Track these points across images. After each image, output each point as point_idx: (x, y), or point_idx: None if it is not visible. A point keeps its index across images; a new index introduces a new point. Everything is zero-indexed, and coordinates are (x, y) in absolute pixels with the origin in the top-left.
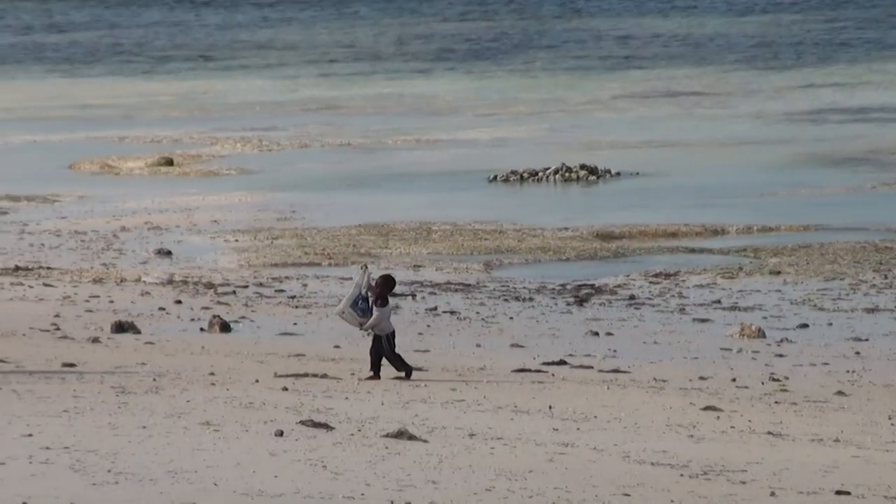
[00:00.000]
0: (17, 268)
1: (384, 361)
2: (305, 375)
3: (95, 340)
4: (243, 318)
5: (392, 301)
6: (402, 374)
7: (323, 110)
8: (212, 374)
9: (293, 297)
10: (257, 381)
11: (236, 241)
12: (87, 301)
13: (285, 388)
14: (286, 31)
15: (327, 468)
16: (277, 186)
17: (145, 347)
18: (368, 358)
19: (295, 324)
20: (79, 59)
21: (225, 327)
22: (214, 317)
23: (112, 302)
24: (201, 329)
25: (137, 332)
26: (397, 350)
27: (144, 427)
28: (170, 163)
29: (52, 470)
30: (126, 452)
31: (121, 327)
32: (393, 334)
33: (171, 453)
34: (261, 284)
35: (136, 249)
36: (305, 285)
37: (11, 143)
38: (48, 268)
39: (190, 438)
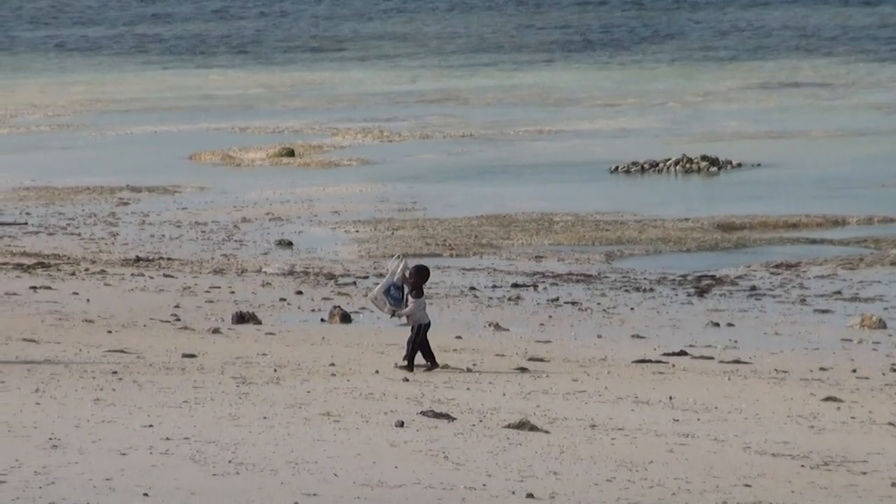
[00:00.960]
0: (138, 258)
1: (428, 350)
2: (426, 366)
3: (216, 331)
4: (363, 308)
5: (425, 294)
6: (428, 363)
7: (444, 101)
8: (332, 364)
9: None
10: (378, 371)
11: (357, 231)
12: (208, 292)
13: (406, 379)
14: (406, 21)
15: (448, 459)
16: (398, 177)
17: (266, 338)
18: (428, 351)
19: None
20: (200, 49)
21: (345, 318)
22: (335, 307)
23: (233, 292)
24: (322, 320)
25: (258, 322)
26: (429, 343)
27: (265, 417)
28: (291, 153)
29: (172, 461)
30: (246, 443)
31: (241, 318)
32: (428, 325)
33: (291, 444)
34: (381, 275)
35: (256, 240)
36: None
37: (133, 135)
38: (169, 258)
39: (310, 429)
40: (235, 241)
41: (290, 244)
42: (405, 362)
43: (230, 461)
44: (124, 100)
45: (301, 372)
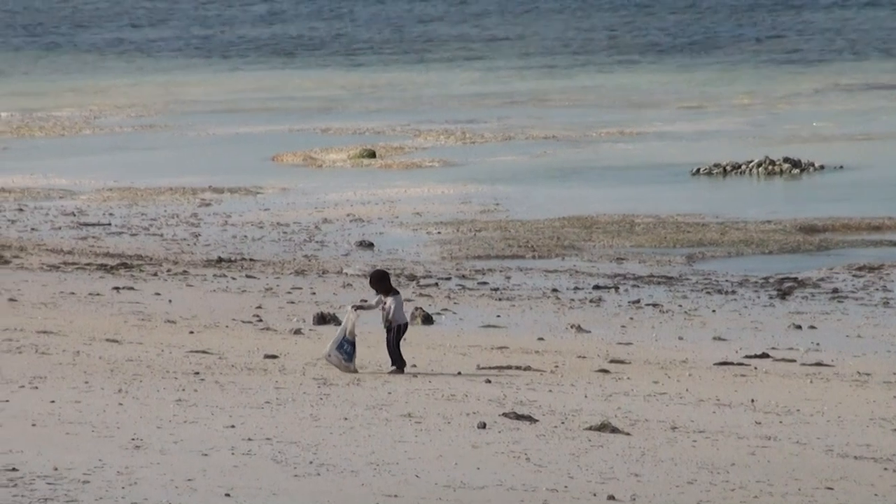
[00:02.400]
0: (220, 259)
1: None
2: (508, 368)
3: (297, 332)
4: (446, 310)
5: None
6: (394, 367)
7: (527, 103)
8: (414, 365)
9: (496, 290)
10: (460, 373)
11: (439, 233)
12: (290, 293)
13: (488, 381)
14: (489, 23)
15: (530, 460)
16: (480, 179)
17: None
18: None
19: (498, 316)
20: (282, 51)
21: (427, 319)
22: (417, 309)
23: (314, 294)
24: None
25: (339, 323)
26: (402, 345)
27: (346, 419)
28: (372, 155)
29: (254, 461)
30: (328, 444)
31: (323, 319)
32: (405, 326)
33: (372, 445)
34: (463, 276)
35: (337, 241)
36: (509, 277)
37: (215, 136)
38: (251, 259)
39: (392, 430)
40: (317, 242)
41: (371, 245)
42: (393, 367)
43: (311, 462)
44: (207, 101)
45: (382, 373)
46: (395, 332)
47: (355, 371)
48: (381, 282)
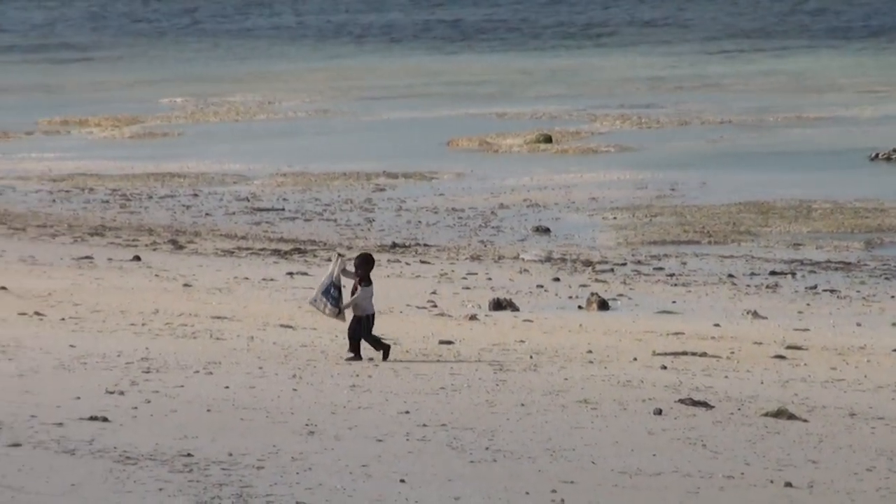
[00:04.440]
0: (395, 245)
1: (372, 339)
2: (684, 354)
3: (473, 318)
4: (621, 295)
5: (374, 285)
6: (381, 352)
7: (703, 88)
8: (589, 351)
9: (672, 275)
10: (635, 359)
11: (614, 218)
12: (465, 278)
13: (664, 367)
14: (665, 7)
15: (706, 447)
16: (656, 164)
17: (523, 325)
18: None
19: (674, 302)
20: (458, 36)
21: (603, 305)
22: (592, 294)
23: (490, 279)
24: (579, 307)
25: (515, 309)
26: (374, 332)
27: (522, 405)
28: (548, 140)
29: (429, 447)
30: (504, 430)
31: (499, 304)
32: (372, 317)
33: (548, 431)
34: (639, 262)
35: (514, 227)
36: (685, 263)
37: (390, 120)
38: (425, 245)
39: (568, 416)
40: (492, 227)
41: (547, 231)
42: (351, 354)
43: (487, 448)
44: (382, 86)
45: (558, 359)
46: (365, 322)
47: (341, 317)
48: (364, 265)
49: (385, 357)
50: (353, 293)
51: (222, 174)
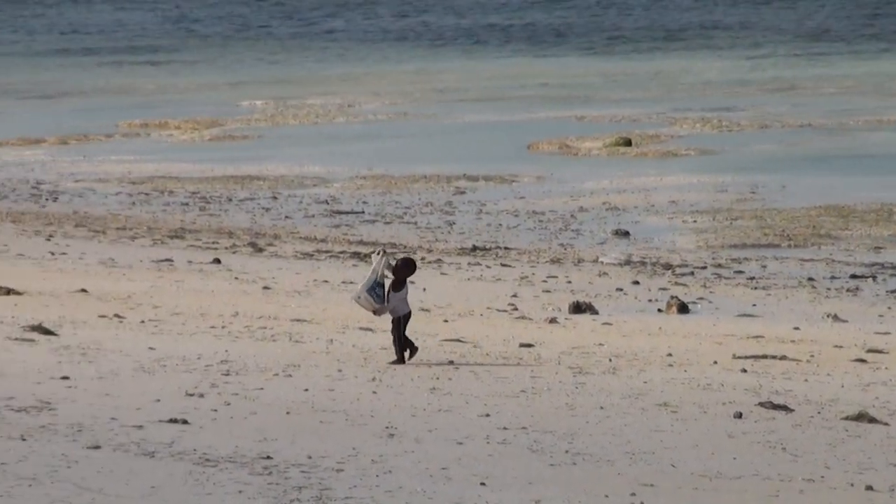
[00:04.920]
0: (475, 248)
1: (404, 340)
2: (764, 357)
3: (553, 321)
4: (701, 299)
5: (409, 285)
6: (397, 359)
7: (783, 91)
8: (669, 355)
9: (752, 279)
10: (715, 362)
11: (694, 221)
12: (545, 281)
13: (744, 370)
14: (744, 10)
15: (786, 450)
16: (736, 167)
17: (602, 328)
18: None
19: (754, 305)
20: (537, 39)
21: (682, 308)
22: (672, 297)
23: (569, 282)
24: (659, 310)
25: (595, 312)
26: (406, 334)
27: (602, 408)
28: (628, 143)
29: (509, 450)
30: (583, 433)
31: (578, 308)
32: (407, 316)
33: (628, 434)
34: (719, 265)
35: (593, 230)
36: (765, 266)
37: (470, 123)
38: (505, 248)
39: (647, 419)
40: (572, 230)
41: (626, 234)
42: (396, 357)
43: (567, 451)
44: (462, 89)
45: (638, 362)
46: (399, 322)
47: (381, 312)
48: (406, 269)
49: (399, 362)
50: (387, 296)
51: (302, 177)
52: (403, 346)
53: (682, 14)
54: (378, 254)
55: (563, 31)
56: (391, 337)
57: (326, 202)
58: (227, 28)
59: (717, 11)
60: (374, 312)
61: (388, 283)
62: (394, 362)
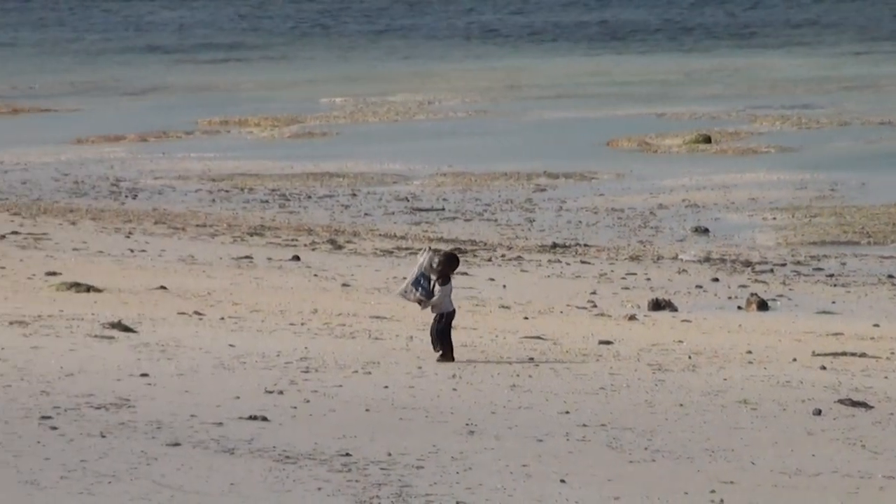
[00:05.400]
0: (555, 245)
1: (448, 339)
2: (843, 354)
3: (632, 318)
4: (781, 296)
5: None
6: (439, 353)
7: (863, 88)
8: (749, 352)
9: (831, 276)
10: (795, 359)
11: (774, 219)
12: (624, 278)
13: (823, 367)
14: (827, 7)
15: (866, 447)
16: (816, 164)
17: (682, 325)
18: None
19: (833, 302)
20: (615, 36)
21: (762, 305)
22: (752, 295)
23: (648, 279)
24: (738, 307)
25: (674, 309)
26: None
27: (681, 405)
28: (707, 140)
29: (589, 447)
30: (662, 430)
31: (658, 305)
32: (452, 314)
33: (707, 431)
34: (798, 262)
35: (673, 227)
36: (844, 264)
37: (549, 120)
38: (585, 245)
39: (727, 417)
40: (651, 227)
41: (706, 231)
42: (439, 353)
43: (646, 448)
44: (541, 86)
45: (717, 359)
46: (444, 319)
47: (425, 306)
48: (449, 264)
49: (443, 359)
50: (431, 290)
51: (381, 174)
52: (447, 342)
53: (758, 11)
54: (426, 251)
55: (641, 28)
56: (429, 335)
57: (406, 199)
58: (303, 25)
59: (797, 8)
60: (420, 305)
61: (433, 277)
62: (441, 358)
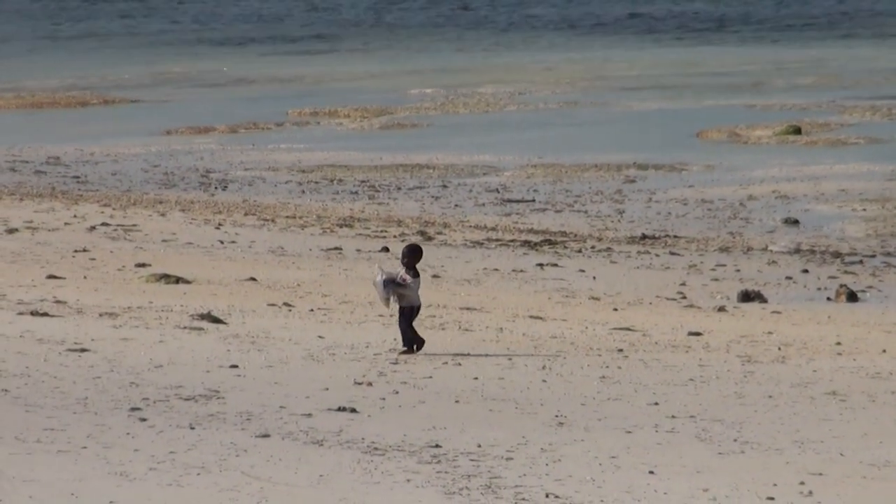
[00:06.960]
0: (644, 236)
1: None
2: None
3: (721, 309)
4: (870, 287)
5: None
6: (405, 349)
7: None
8: (838, 343)
9: None
10: (884, 351)
11: (864, 210)
12: (713, 270)
13: None
14: None
15: None
16: None
17: (771, 316)
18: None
19: None
20: (703, 27)
21: (852, 297)
22: (841, 286)
23: (738, 270)
24: (828, 298)
25: (764, 300)
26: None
27: (770, 396)
28: (797, 131)
29: (677, 439)
30: (752, 422)
31: (747, 296)
32: (418, 308)
33: (796, 423)
34: (888, 254)
35: (762, 218)
36: None
37: (638, 111)
38: (674, 236)
39: (816, 408)
40: (741, 218)
41: (796, 222)
42: (405, 348)
43: (735, 440)
44: (631, 77)
45: (807, 351)
46: (410, 313)
47: (387, 304)
48: (411, 255)
49: (407, 352)
50: (401, 283)
51: (472, 165)
52: (415, 335)
53: (843, 3)
54: (379, 273)
55: (731, 19)
56: (401, 334)
57: (497, 191)
58: (389, 17)
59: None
60: (385, 304)
61: (402, 272)
62: (405, 352)
